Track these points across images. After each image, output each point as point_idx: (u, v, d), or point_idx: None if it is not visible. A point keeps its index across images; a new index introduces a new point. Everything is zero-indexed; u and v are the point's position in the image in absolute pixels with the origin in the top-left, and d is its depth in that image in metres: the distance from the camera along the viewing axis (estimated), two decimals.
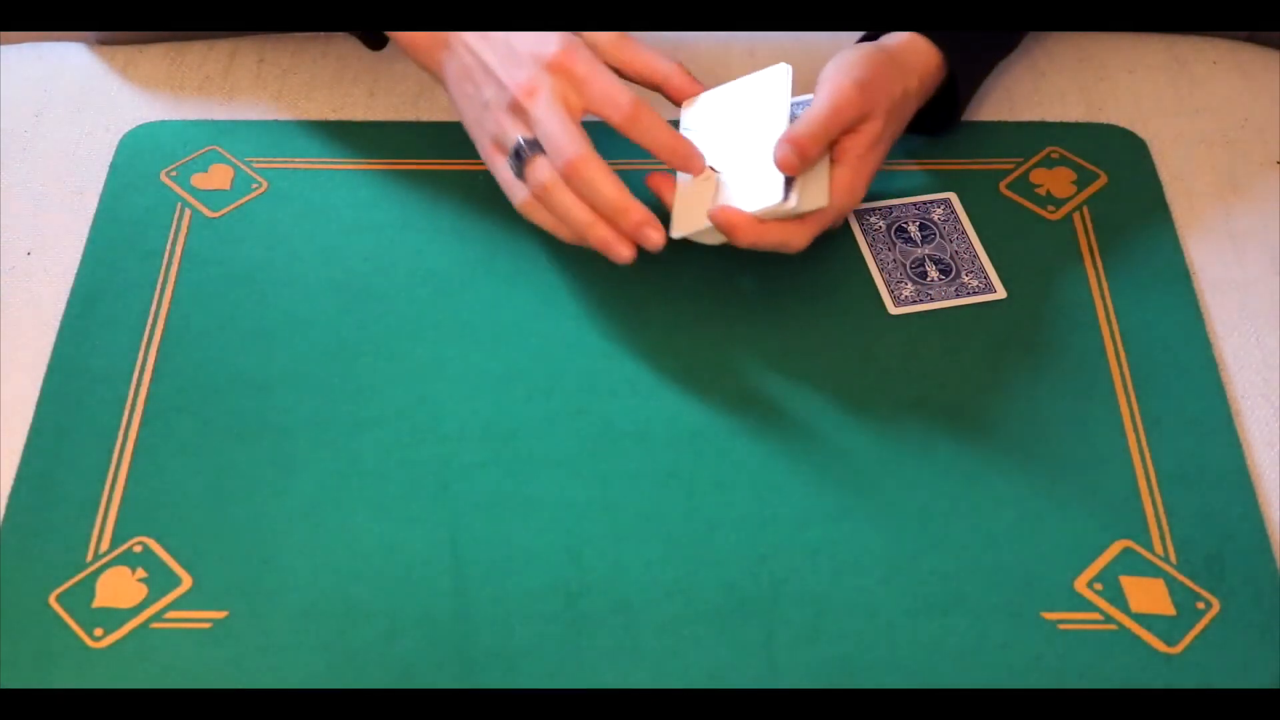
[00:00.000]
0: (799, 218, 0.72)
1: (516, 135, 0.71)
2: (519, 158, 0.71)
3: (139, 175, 0.82)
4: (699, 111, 0.75)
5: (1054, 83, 0.89)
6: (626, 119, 0.71)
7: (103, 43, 0.90)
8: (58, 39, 0.92)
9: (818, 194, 0.72)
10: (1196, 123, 0.87)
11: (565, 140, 0.69)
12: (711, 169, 0.73)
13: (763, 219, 0.71)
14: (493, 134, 0.73)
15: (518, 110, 0.71)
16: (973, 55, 0.81)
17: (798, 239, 0.73)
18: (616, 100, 0.70)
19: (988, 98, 0.88)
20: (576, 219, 0.71)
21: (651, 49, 0.76)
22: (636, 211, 0.70)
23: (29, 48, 0.91)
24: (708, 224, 0.71)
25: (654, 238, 0.70)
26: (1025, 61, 0.90)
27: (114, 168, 0.83)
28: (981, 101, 0.87)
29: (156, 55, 0.89)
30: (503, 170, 0.73)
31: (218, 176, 0.82)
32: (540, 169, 0.71)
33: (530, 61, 0.71)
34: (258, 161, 0.83)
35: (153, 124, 0.85)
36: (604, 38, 0.76)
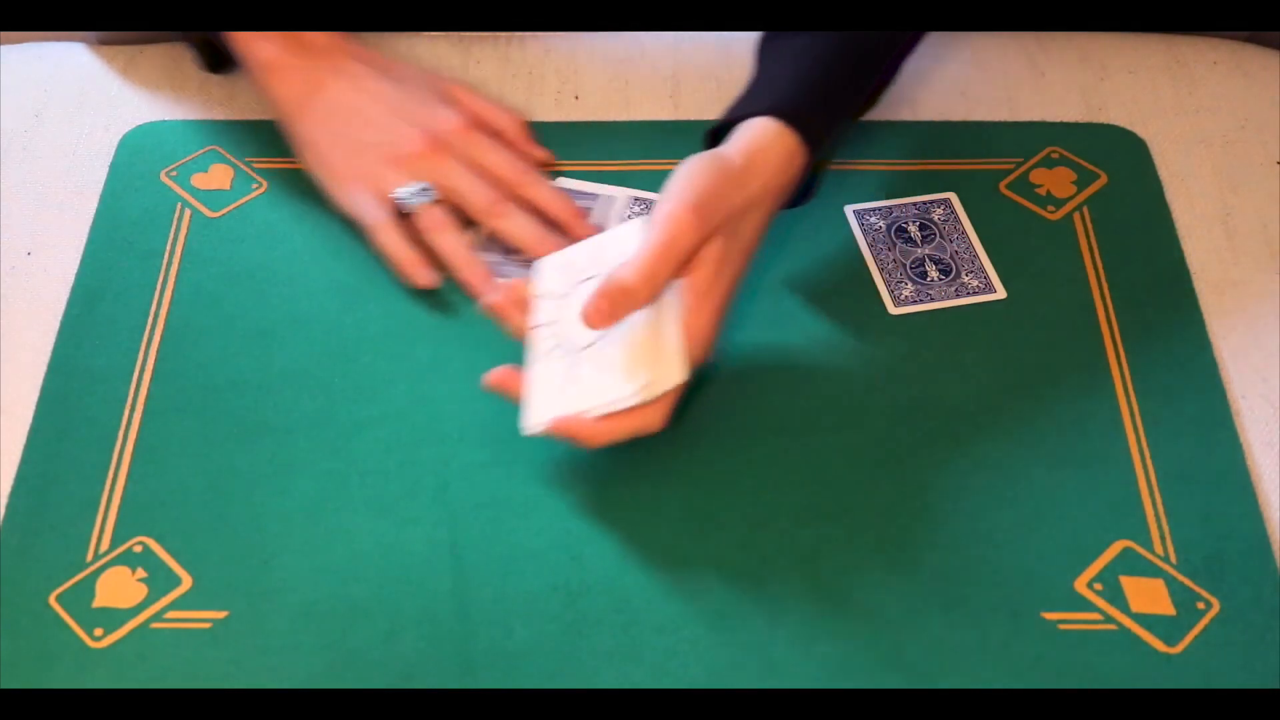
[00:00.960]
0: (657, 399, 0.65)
1: (418, 182, 0.77)
2: (425, 193, 0.77)
3: (139, 175, 0.82)
4: (552, 273, 0.70)
5: (1054, 83, 0.89)
6: (519, 182, 0.78)
7: (103, 43, 0.90)
8: (58, 39, 0.92)
9: (671, 370, 0.64)
10: (1196, 123, 0.87)
11: (482, 186, 0.77)
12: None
13: (609, 416, 0.65)
14: (368, 173, 0.77)
15: (420, 159, 0.77)
16: (828, 132, 0.72)
17: (655, 419, 0.66)
18: (513, 166, 0.78)
19: (988, 98, 0.88)
20: (459, 255, 0.76)
21: (498, 105, 0.83)
22: (551, 243, 0.75)
23: (29, 48, 0.91)
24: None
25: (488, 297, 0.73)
26: (1025, 61, 0.90)
27: (114, 168, 0.83)
28: (981, 101, 0.87)
29: (156, 55, 0.89)
30: (369, 199, 0.77)
31: (218, 176, 0.82)
32: (439, 212, 0.77)
33: (432, 120, 0.79)
34: (258, 161, 0.83)
35: (153, 124, 0.85)
36: (458, 88, 0.83)
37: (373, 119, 0.78)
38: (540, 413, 0.66)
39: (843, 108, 0.74)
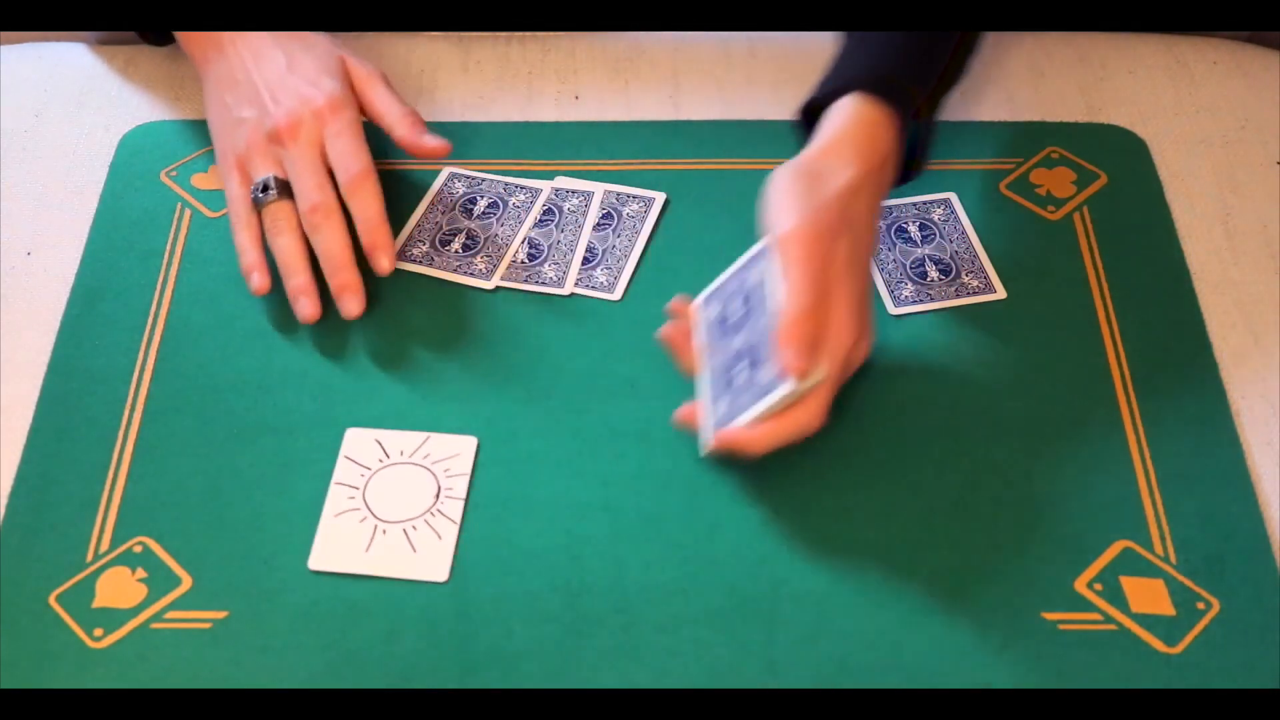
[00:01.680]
0: (807, 393, 0.66)
1: (268, 173, 0.75)
2: (265, 191, 0.74)
3: (139, 175, 0.82)
4: (708, 311, 0.72)
5: (1054, 83, 0.89)
6: (347, 184, 0.74)
7: (103, 43, 0.90)
8: (58, 39, 0.92)
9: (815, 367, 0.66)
10: (1196, 123, 0.87)
11: (314, 186, 0.74)
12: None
13: (767, 419, 0.66)
14: (239, 152, 0.76)
15: (275, 141, 0.75)
16: (915, 93, 0.73)
17: (813, 418, 0.66)
18: (349, 164, 0.74)
19: (988, 98, 0.88)
20: (286, 262, 0.74)
21: (394, 96, 0.79)
22: (348, 274, 0.74)
23: (29, 48, 0.91)
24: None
25: (350, 306, 0.74)
26: (1025, 61, 0.90)
27: (114, 168, 0.83)
28: (981, 101, 0.87)
29: (156, 55, 0.89)
30: (236, 187, 0.76)
31: (218, 176, 0.82)
32: (280, 212, 0.74)
33: (297, 99, 0.75)
34: None
35: (153, 124, 0.85)
36: (360, 72, 0.79)
37: (252, 93, 0.76)
38: (708, 432, 0.68)
39: (926, 68, 0.74)
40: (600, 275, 0.77)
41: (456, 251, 0.78)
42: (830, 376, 0.66)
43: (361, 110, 0.78)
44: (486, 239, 0.79)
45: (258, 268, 0.75)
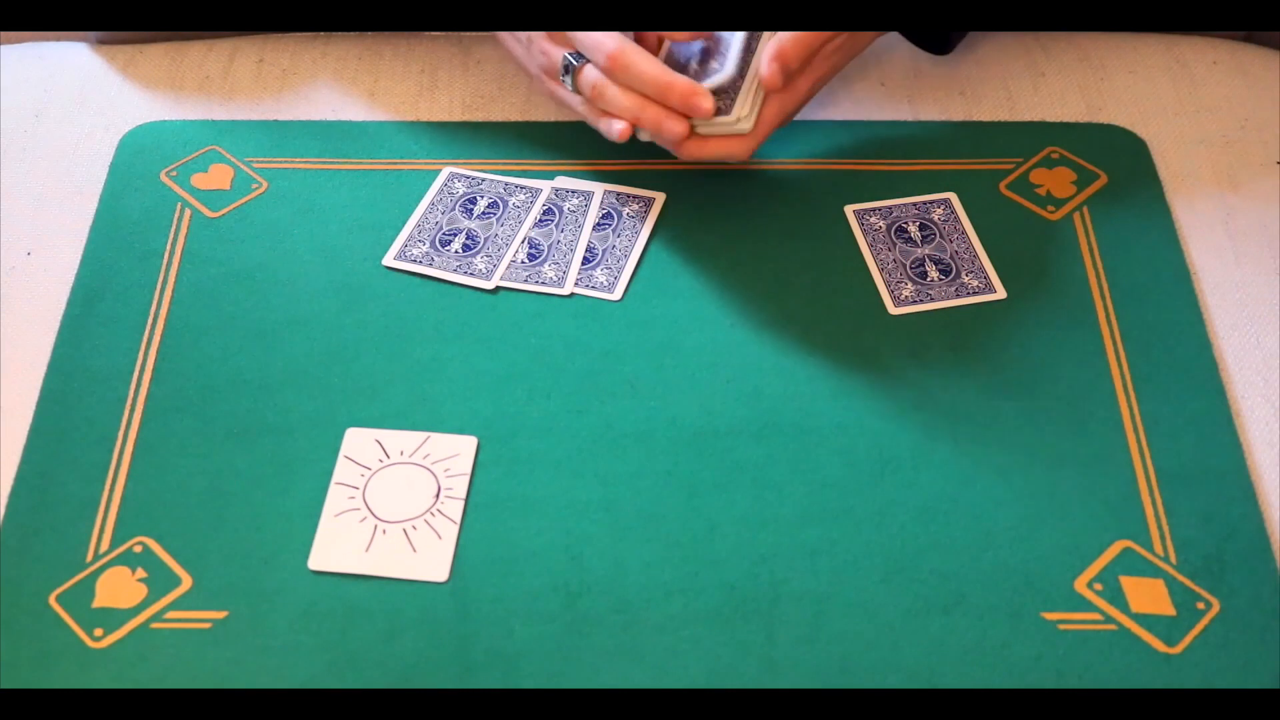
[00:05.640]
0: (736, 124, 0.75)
1: (562, 52, 0.77)
2: (568, 71, 0.77)
3: (139, 175, 0.82)
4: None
5: (1054, 83, 0.89)
6: (611, 60, 0.74)
7: (103, 43, 0.90)
8: (58, 39, 0.92)
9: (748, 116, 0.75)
10: (1196, 123, 0.87)
11: (603, 38, 0.75)
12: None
13: (705, 132, 0.75)
14: (541, 63, 0.79)
15: (556, 37, 0.78)
16: None
17: (742, 151, 0.76)
18: (604, 43, 0.75)
19: (987, 98, 0.88)
20: (627, 107, 0.75)
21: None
22: (681, 84, 0.74)
23: (29, 48, 0.91)
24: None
25: (703, 105, 0.74)
26: (1025, 61, 0.90)
27: (114, 168, 0.83)
28: (981, 101, 0.87)
29: (156, 55, 0.89)
30: (560, 90, 0.79)
31: (218, 176, 0.82)
32: (588, 74, 0.77)
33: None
34: (258, 161, 0.83)
35: (153, 124, 0.85)
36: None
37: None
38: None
39: None
40: (600, 275, 0.77)
41: (456, 251, 0.78)
42: (769, 127, 0.76)
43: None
44: (486, 239, 0.79)
45: (647, 105, 0.75)
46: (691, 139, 0.76)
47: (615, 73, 0.74)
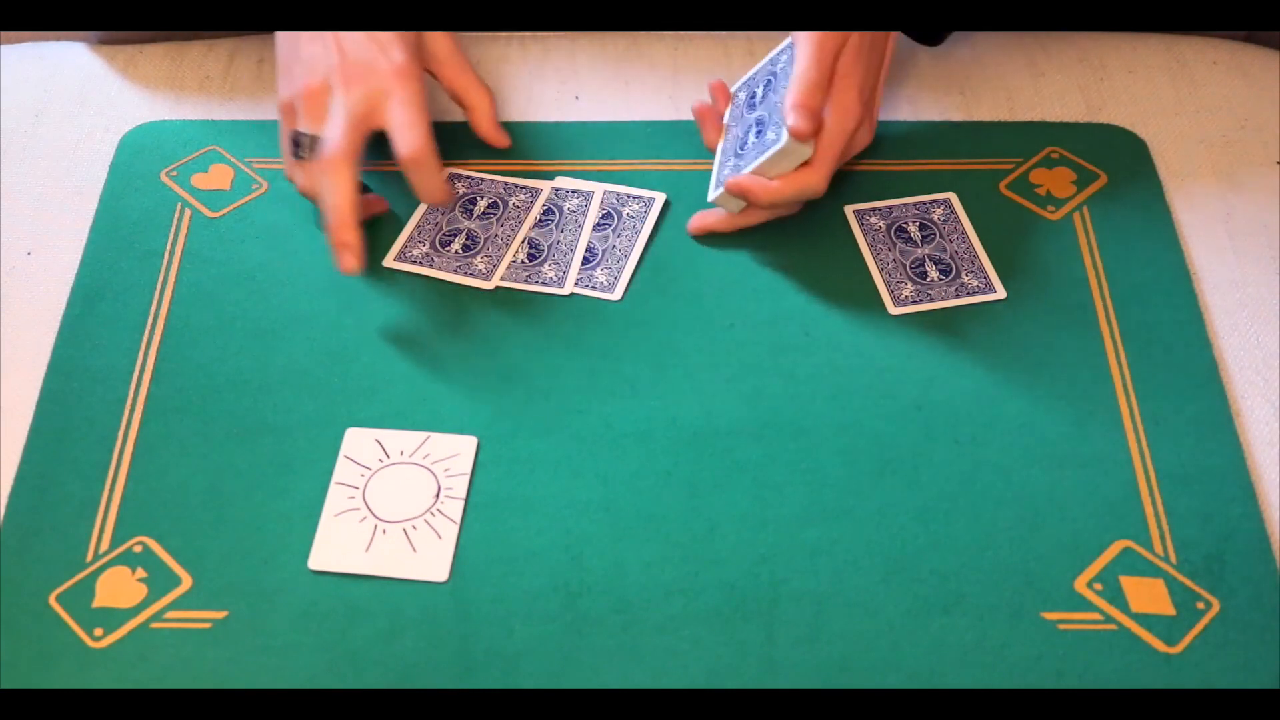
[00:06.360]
0: (808, 162, 0.75)
1: (304, 127, 0.74)
2: (298, 145, 0.74)
3: (139, 175, 0.82)
4: (738, 94, 0.82)
5: (1054, 83, 0.89)
6: (409, 158, 0.73)
7: (103, 43, 0.90)
8: (58, 39, 0.92)
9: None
10: (1196, 123, 0.87)
11: (340, 135, 0.72)
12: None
13: (771, 176, 0.75)
14: (294, 92, 0.75)
15: (328, 89, 0.74)
16: None
17: (816, 180, 0.75)
18: (409, 136, 0.72)
19: (987, 97, 0.88)
20: (325, 214, 0.74)
21: (474, 75, 0.81)
22: (349, 231, 0.73)
23: (29, 48, 0.91)
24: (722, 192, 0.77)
25: (347, 263, 0.73)
26: (1025, 61, 0.90)
27: (114, 168, 0.83)
28: (981, 101, 0.87)
29: (156, 55, 0.89)
30: (285, 129, 0.76)
31: (218, 176, 0.82)
32: (309, 168, 0.74)
33: (364, 56, 0.74)
34: (258, 161, 0.83)
35: (153, 124, 0.85)
36: (442, 47, 0.80)
37: (322, 38, 0.75)
38: (718, 184, 0.78)
39: None
40: (600, 275, 0.77)
41: (456, 252, 0.78)
42: (834, 150, 0.75)
43: (442, 83, 0.81)
44: (486, 239, 0.79)
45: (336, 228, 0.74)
46: (764, 185, 0.75)
47: (323, 174, 0.72)
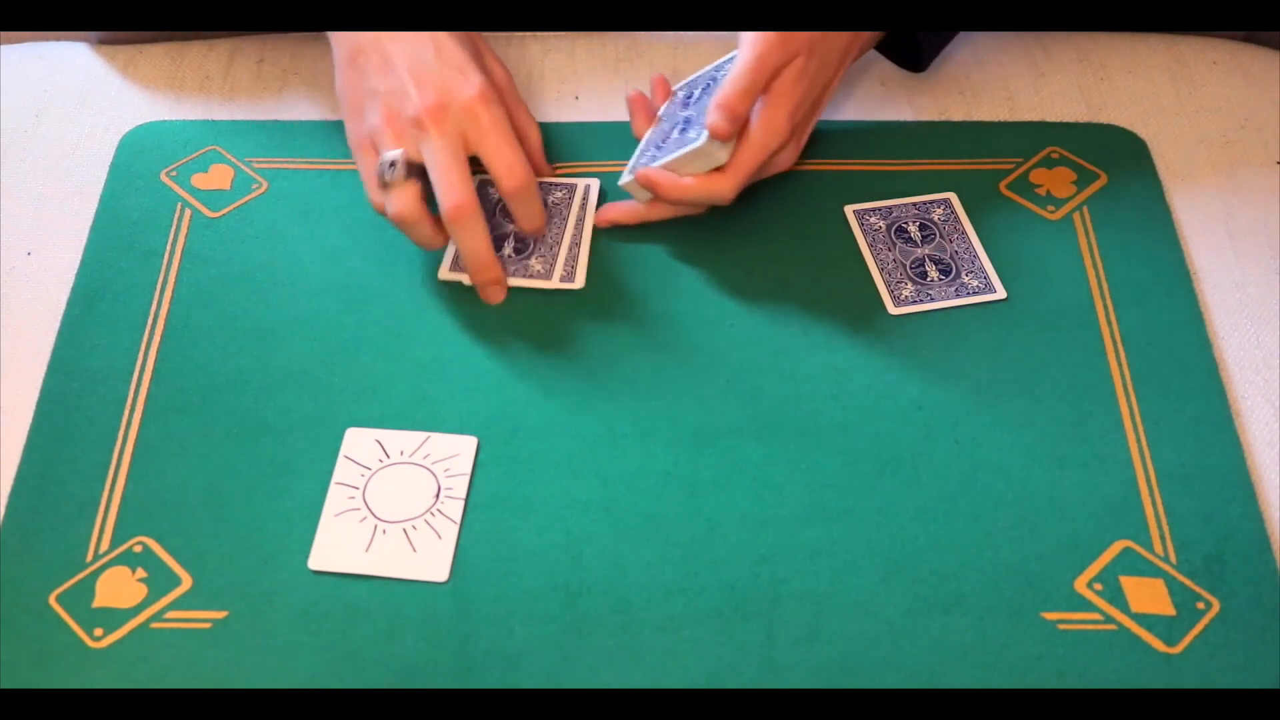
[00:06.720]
0: (723, 168, 0.75)
1: (399, 150, 0.72)
2: (391, 167, 0.72)
3: (139, 175, 0.82)
4: (677, 91, 0.83)
5: (1054, 83, 0.89)
6: (515, 189, 0.73)
7: (103, 43, 0.90)
8: (58, 39, 0.92)
9: (730, 144, 0.74)
10: (1196, 123, 0.87)
11: (458, 180, 0.71)
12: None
13: (684, 174, 0.75)
14: (373, 127, 0.74)
15: (417, 125, 0.72)
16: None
17: (724, 188, 0.75)
18: (510, 166, 0.72)
19: (988, 98, 0.88)
20: (425, 243, 0.74)
21: (525, 107, 0.80)
22: (493, 271, 0.75)
23: (29, 48, 0.91)
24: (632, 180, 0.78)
25: (496, 296, 0.76)
26: (1025, 61, 0.90)
27: (114, 168, 0.83)
28: (981, 101, 0.87)
29: (156, 55, 0.89)
30: (369, 163, 0.74)
31: (218, 176, 0.82)
32: (406, 197, 0.72)
33: (442, 82, 0.72)
34: (258, 161, 0.83)
35: (153, 124, 0.85)
36: (500, 77, 0.79)
37: (391, 66, 0.74)
38: (630, 171, 0.78)
39: None
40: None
41: (509, 255, 0.78)
42: (751, 163, 0.74)
43: None
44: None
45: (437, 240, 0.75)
46: (673, 181, 0.75)
47: (453, 224, 0.72)
